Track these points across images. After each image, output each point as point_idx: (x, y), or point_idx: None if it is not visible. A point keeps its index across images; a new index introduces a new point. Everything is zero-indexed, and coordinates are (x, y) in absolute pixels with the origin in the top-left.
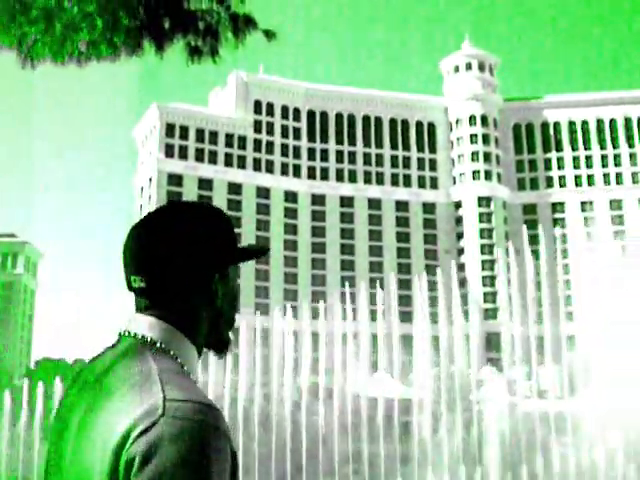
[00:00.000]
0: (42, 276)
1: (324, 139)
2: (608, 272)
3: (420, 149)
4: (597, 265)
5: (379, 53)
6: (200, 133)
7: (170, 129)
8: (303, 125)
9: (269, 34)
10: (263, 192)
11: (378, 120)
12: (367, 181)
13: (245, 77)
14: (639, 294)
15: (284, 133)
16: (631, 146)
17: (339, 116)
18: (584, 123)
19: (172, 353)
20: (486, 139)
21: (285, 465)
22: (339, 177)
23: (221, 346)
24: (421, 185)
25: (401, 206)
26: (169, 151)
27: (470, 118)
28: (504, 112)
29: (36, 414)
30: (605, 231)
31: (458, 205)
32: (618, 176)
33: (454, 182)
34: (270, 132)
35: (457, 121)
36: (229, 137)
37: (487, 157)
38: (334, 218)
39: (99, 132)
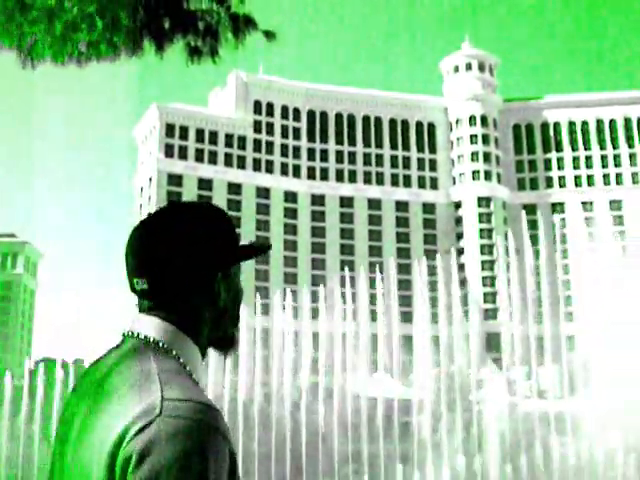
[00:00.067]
0: (42, 276)
1: (324, 139)
2: (608, 272)
3: (420, 149)
4: (597, 265)
5: (379, 53)
6: (200, 133)
7: (170, 129)
8: (303, 125)
9: (269, 34)
10: (263, 192)
11: (378, 120)
12: (367, 181)
13: (245, 77)
14: (639, 294)
15: (284, 133)
16: (631, 146)
17: (339, 116)
18: (584, 123)
19: (174, 353)
20: (486, 139)
21: (285, 465)
22: (339, 177)
23: (226, 345)
24: (421, 185)
25: (401, 206)
26: (169, 151)
27: (470, 118)
28: (504, 112)
29: (36, 414)
30: (605, 231)
31: (458, 205)
32: (618, 176)
33: (454, 182)
34: (270, 132)
35: (457, 121)
36: (229, 137)
37: (487, 157)
38: (334, 218)
39: (99, 132)
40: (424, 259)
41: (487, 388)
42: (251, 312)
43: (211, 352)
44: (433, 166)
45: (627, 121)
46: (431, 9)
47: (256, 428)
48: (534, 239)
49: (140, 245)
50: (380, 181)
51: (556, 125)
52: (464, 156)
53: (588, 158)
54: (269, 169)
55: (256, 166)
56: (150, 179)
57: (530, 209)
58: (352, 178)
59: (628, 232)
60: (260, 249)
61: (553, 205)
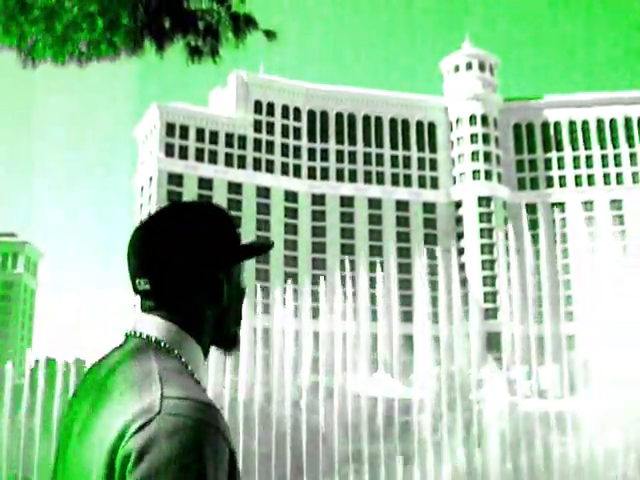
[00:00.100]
0: (42, 276)
1: (324, 139)
2: (608, 272)
3: (420, 149)
4: (597, 265)
5: (379, 53)
6: (200, 133)
7: (170, 129)
8: (303, 125)
9: (269, 34)
10: (263, 192)
11: (378, 120)
12: (367, 181)
13: (245, 77)
14: (639, 294)
15: (284, 133)
16: (631, 146)
17: (339, 116)
18: (584, 123)
19: (176, 353)
20: (486, 139)
21: (285, 464)
22: (339, 177)
23: (229, 344)
24: (421, 185)
25: (401, 206)
26: (169, 151)
27: (470, 118)
28: (504, 112)
29: (36, 412)
30: (605, 231)
31: (458, 205)
32: (618, 176)
33: (454, 182)
34: (270, 132)
35: (457, 121)
36: (229, 137)
37: (487, 157)
38: (334, 218)
39: (99, 131)
40: (424, 250)
41: (487, 387)
42: (251, 312)
43: (211, 352)
44: (433, 165)
45: (627, 121)
46: (431, 9)
47: (256, 428)
48: (534, 239)
49: (142, 245)
50: (380, 180)
51: (556, 125)
52: (464, 155)
53: (588, 158)
54: (269, 169)
55: (256, 166)
56: (150, 178)
57: (530, 209)
58: (352, 178)
59: (628, 232)
60: (262, 248)
61: (553, 205)
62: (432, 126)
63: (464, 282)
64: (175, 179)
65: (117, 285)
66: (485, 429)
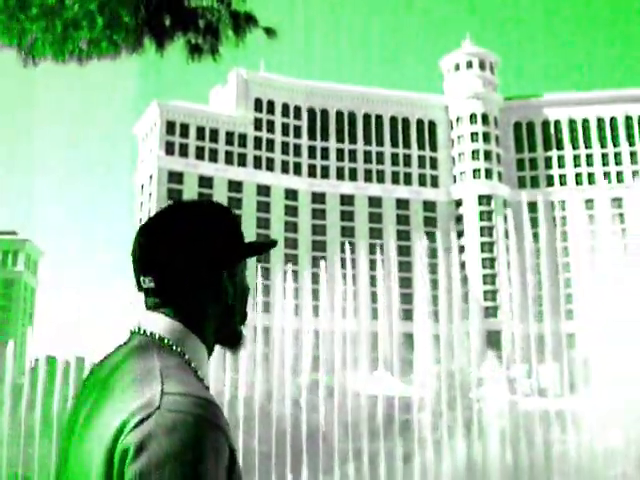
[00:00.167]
0: (43, 274)
1: (325, 137)
2: (609, 270)
3: (421, 147)
4: (598, 263)
5: (379, 51)
6: (200, 131)
7: (170, 127)
8: (304, 123)
9: (270, 32)
10: (263, 190)
11: (379, 118)
12: (368, 179)
13: (245, 75)
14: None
15: (285, 131)
16: (632, 144)
17: (340, 114)
18: (585, 121)
19: (179, 350)
20: (487, 137)
21: (285, 463)
22: (340, 175)
23: (233, 342)
24: (422, 183)
25: (402, 204)
26: (169, 149)
27: (471, 116)
28: (505, 110)
29: (36, 411)
30: (606, 229)
31: (459, 203)
32: (619, 174)
33: (455, 180)
34: (271, 130)
35: (458, 119)
36: (229, 135)
37: (488, 155)
38: (334, 216)
39: (100, 130)
40: (425, 249)
41: (488, 386)
42: (252, 310)
43: (225, 349)
44: (434, 164)
45: (628, 119)
46: (432, 7)
47: (256, 426)
48: (535, 237)
49: (146, 243)
50: (381, 179)
51: (557, 123)
52: (465, 154)
53: (589, 156)
54: (270, 167)
55: (257, 164)
56: (151, 177)
57: (531, 207)
58: (353, 176)
59: (629, 230)
60: (265, 247)
61: (554, 203)
62: (432, 124)
63: (464, 280)
64: (175, 177)
65: (117, 283)
66: (485, 427)
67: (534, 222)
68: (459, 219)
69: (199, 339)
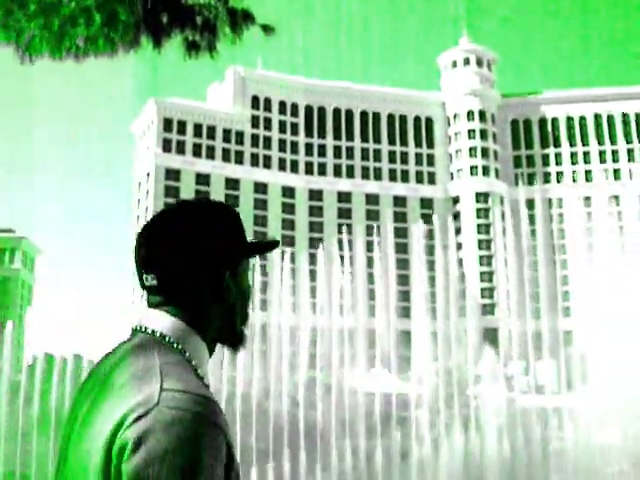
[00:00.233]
0: (40, 271)
1: (322, 134)
2: (606, 267)
3: (418, 144)
4: (595, 260)
5: (377, 48)
6: (198, 128)
7: (168, 124)
8: (301, 120)
9: (267, 29)
10: (261, 187)
11: (376, 115)
12: (365, 176)
13: (242, 72)
14: (637, 290)
15: (282, 128)
16: (629, 142)
17: (337, 111)
18: (582, 119)
19: (180, 348)
20: (484, 134)
21: (282, 460)
22: (337, 172)
23: (235, 341)
24: (419, 180)
25: (399, 201)
26: (167, 146)
27: (468, 113)
28: (502, 108)
29: (33, 409)
30: (603, 227)
31: (456, 200)
32: (616, 172)
33: (452, 177)
34: (268, 127)
35: (455, 116)
36: (227, 132)
37: (485, 153)
38: (332, 213)
39: (97, 127)
40: (422, 245)
41: (485, 383)
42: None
43: (226, 348)
44: (431, 161)
45: (625, 116)
46: (430, 4)
47: (254, 423)
48: (532, 234)
49: (150, 241)
50: (378, 176)
51: (554, 120)
52: (462, 151)
53: (586, 154)
54: (267, 164)
55: (254, 161)
56: (148, 174)
57: (528, 204)
58: (350, 173)
59: (626, 228)
60: (267, 246)
61: (551, 200)
62: (430, 122)
63: (462, 278)
64: (172, 174)
65: (115, 280)
66: (483, 425)
67: (531, 219)
68: (456, 216)
69: (200, 337)
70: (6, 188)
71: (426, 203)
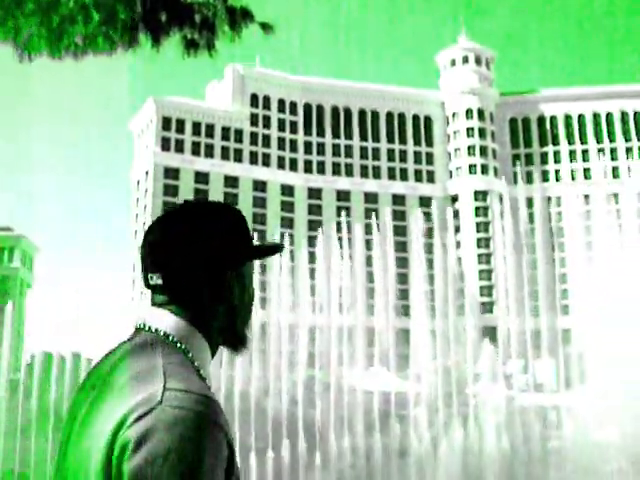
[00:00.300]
0: (39, 270)
1: (321, 133)
2: (605, 265)
3: (417, 143)
4: (594, 258)
5: (375, 46)
6: (196, 126)
7: (166, 122)
8: (300, 118)
9: (266, 27)
10: (260, 185)
11: (375, 114)
12: (364, 175)
13: (241, 70)
14: (636, 288)
15: (281, 126)
16: (628, 140)
17: (336, 110)
18: (580, 117)
19: (183, 347)
20: (482, 133)
21: (281, 458)
22: (336, 171)
23: (237, 343)
24: (418, 179)
25: (398, 200)
26: (165, 144)
27: (467, 112)
28: (500, 106)
29: (32, 407)
30: (602, 225)
31: (455, 199)
32: (614, 170)
33: (450, 176)
34: (267, 125)
35: (454, 115)
36: (225, 130)
37: (484, 151)
38: (330, 212)
39: (95, 125)
40: (421, 244)
41: (484, 381)
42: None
43: (228, 349)
44: (430, 160)
45: (624, 114)
46: (428, 3)
47: (252, 422)
48: (531, 232)
49: (156, 241)
50: (377, 175)
51: (553, 119)
52: (461, 150)
53: (585, 152)
54: (266, 162)
55: (253, 159)
56: (147, 172)
57: (527, 203)
58: (349, 171)
59: (625, 225)
60: (272, 250)
61: (550, 199)
62: (428, 120)
63: (461, 276)
64: (171, 173)
65: (114, 279)
66: (481, 423)
67: (530, 217)
68: (455, 214)
69: (204, 338)
70: (4, 186)
71: (425, 201)
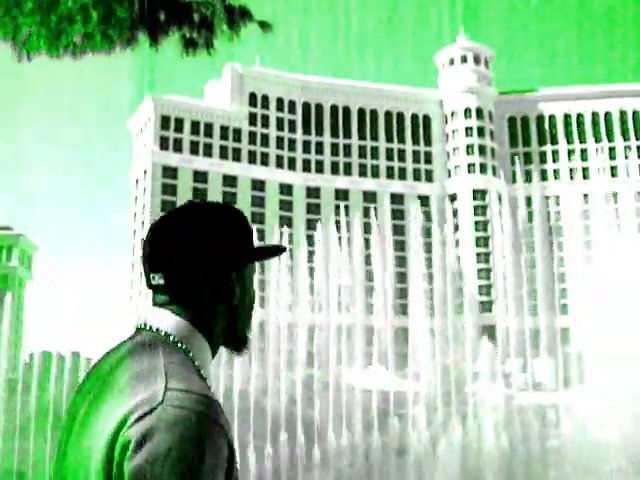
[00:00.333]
0: (37, 269)
1: (319, 132)
2: (604, 265)
3: (415, 142)
4: (593, 258)
5: (374, 46)
6: (195, 125)
7: (165, 121)
8: (298, 118)
9: (264, 26)
10: (258, 184)
11: (373, 113)
12: (362, 174)
13: (240, 69)
14: (635, 288)
15: (279, 125)
16: (626, 139)
17: (334, 109)
18: (579, 116)
19: (184, 347)
20: (481, 132)
21: (280, 457)
22: (334, 170)
23: (238, 344)
24: (416, 178)
25: (396, 199)
26: (164, 143)
27: (465, 111)
28: (499, 105)
29: (31, 406)
30: (600, 224)
31: (453, 198)
32: (613, 169)
33: (449, 175)
34: (265, 124)
35: (452, 114)
36: (224, 129)
37: (482, 150)
38: (329, 211)
39: (94, 124)
40: (421, 243)
41: (483, 380)
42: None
43: (229, 351)
44: (428, 159)
45: (622, 114)
46: (427, 2)
47: (251, 421)
48: (529, 231)
49: (159, 241)
50: (375, 174)
51: (551, 118)
52: (459, 149)
53: (583, 151)
54: (264, 161)
55: (251, 158)
56: (145, 171)
57: (526, 202)
58: (347, 171)
59: (623, 225)
60: (274, 251)
61: (548, 198)
62: (427, 119)
63: (460, 275)
64: (170, 172)
65: (113, 277)
66: (480, 422)
67: (529, 216)
68: (454, 213)
69: (204, 338)
70: (1, 186)
71: (423, 200)
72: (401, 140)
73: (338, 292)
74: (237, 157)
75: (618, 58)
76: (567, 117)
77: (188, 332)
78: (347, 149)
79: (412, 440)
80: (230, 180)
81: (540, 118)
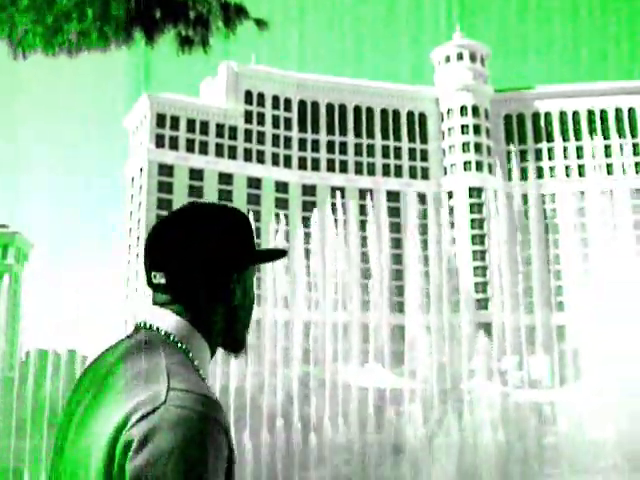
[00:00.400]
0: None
1: (315, 129)
2: (599, 262)
3: (411, 139)
4: (588, 255)
5: (370, 43)
6: (191, 123)
7: (161, 119)
8: (294, 115)
9: (260, 23)
10: (254, 182)
11: (369, 110)
12: (358, 171)
13: (236, 67)
14: (630, 285)
15: (275, 123)
16: (622, 137)
17: (330, 106)
18: (575, 114)
19: (184, 347)
20: (477, 130)
21: (276, 455)
22: (330, 167)
23: (236, 346)
24: (412, 175)
25: (392, 196)
26: (160, 141)
27: (461, 109)
28: (495, 103)
29: (27, 404)
30: (596, 221)
31: (449, 195)
32: (609, 167)
33: (445, 173)
34: (261, 122)
35: (448, 111)
36: (220, 127)
37: (478, 148)
38: (325, 209)
39: (90, 122)
40: (417, 240)
41: (479, 377)
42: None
43: (226, 352)
44: (424, 156)
45: (618, 111)
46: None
47: (248, 418)
48: (525, 229)
49: (160, 240)
50: (371, 171)
51: (547, 115)
52: (455, 146)
53: (579, 148)
54: (260, 159)
55: (247, 156)
56: (141, 169)
57: (521, 199)
58: (343, 168)
59: (618, 222)
60: (275, 255)
61: (544, 195)
62: (423, 117)
63: (455, 272)
64: (166, 170)
65: (109, 275)
66: (476, 419)
67: (525, 214)
68: (450, 211)
69: (204, 338)
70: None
71: (420, 198)
72: (397, 138)
73: (334, 290)
74: (233, 155)
75: (614, 56)
76: (563, 115)
77: (188, 332)
78: (343, 147)
79: (408, 437)
80: (226, 178)
81: (536, 116)
